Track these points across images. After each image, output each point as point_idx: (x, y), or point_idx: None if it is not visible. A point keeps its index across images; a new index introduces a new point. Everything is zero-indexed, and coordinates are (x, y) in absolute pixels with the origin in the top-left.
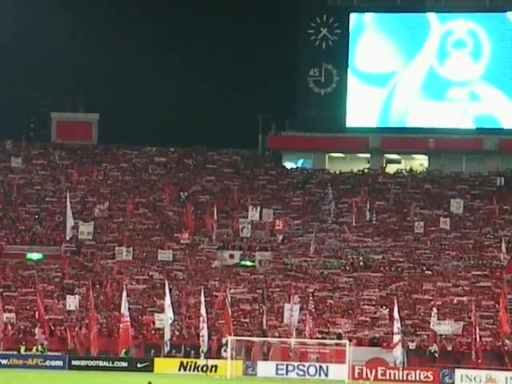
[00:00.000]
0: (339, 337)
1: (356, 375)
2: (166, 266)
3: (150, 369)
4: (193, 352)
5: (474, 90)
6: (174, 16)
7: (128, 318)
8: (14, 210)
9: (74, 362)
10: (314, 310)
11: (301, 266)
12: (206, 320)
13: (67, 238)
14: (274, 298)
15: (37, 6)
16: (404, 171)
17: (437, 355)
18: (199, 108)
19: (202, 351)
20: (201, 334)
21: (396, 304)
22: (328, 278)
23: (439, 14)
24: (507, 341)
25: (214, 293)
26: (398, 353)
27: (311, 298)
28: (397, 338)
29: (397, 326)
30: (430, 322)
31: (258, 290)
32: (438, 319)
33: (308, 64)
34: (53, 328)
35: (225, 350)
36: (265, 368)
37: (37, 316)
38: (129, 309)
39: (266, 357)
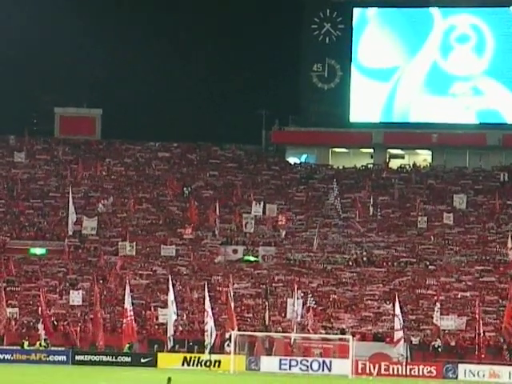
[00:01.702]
0: (343, 332)
1: (359, 370)
2: (170, 261)
3: (153, 364)
4: (196, 347)
5: (478, 84)
6: (176, 12)
7: (131, 313)
8: (17, 205)
9: (77, 357)
10: (314, 306)
11: (304, 261)
12: (211, 315)
13: (69, 233)
14: (278, 293)
15: (40, 2)
16: (407, 166)
17: (440, 350)
18: (203, 103)
19: (206, 346)
20: (206, 329)
21: (398, 300)
22: (331, 273)
23: (442, 8)
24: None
25: (218, 288)
26: (400, 349)
27: (310, 294)
28: (398, 334)
29: (398, 322)
30: (433, 317)
31: (261, 285)
32: (442, 314)
33: (311, 59)
34: (56, 323)
35: (228, 345)
36: (268, 363)
37: (40, 311)
38: (132, 304)
39: (269, 352)
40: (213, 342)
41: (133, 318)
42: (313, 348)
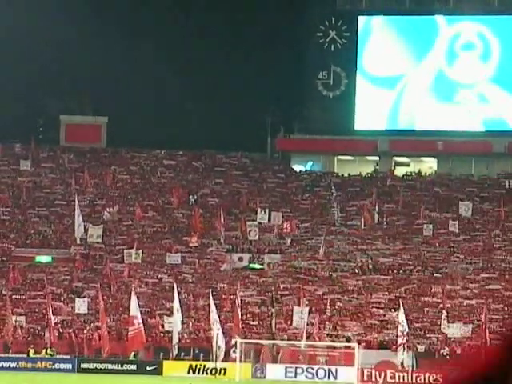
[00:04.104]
0: (348, 340)
1: (365, 378)
2: (175, 268)
3: (158, 372)
4: (202, 355)
5: (483, 92)
6: (182, 18)
7: (140, 320)
8: (22, 213)
9: (83, 365)
10: (329, 314)
11: (309, 268)
12: (219, 323)
13: (77, 241)
14: (283, 301)
15: (44, 8)
16: (413, 174)
17: (448, 358)
18: (208, 111)
19: (218, 355)
20: (214, 336)
21: (402, 307)
22: (337, 280)
23: (448, 16)
24: None
25: (223, 296)
26: (400, 355)
27: (328, 304)
28: (399, 340)
29: (400, 329)
30: (438, 325)
31: (266, 293)
32: (448, 322)
33: (317, 67)
34: (61, 331)
35: (234, 351)
36: (274, 371)
37: (46, 319)
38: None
39: (275, 359)
40: (223, 350)
41: (142, 326)
42: (318, 356)
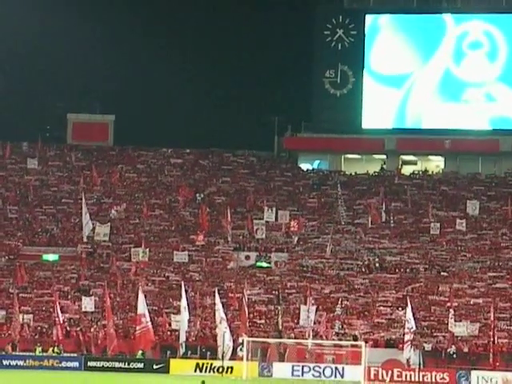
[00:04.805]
0: (355, 338)
1: (372, 376)
2: (182, 267)
3: (166, 370)
4: (209, 353)
5: (490, 91)
6: (189, 17)
7: (148, 319)
8: (30, 212)
9: (90, 363)
10: (340, 313)
11: (316, 267)
12: (226, 321)
13: (84, 240)
14: (290, 300)
15: (52, 8)
16: (420, 172)
17: (455, 356)
18: (215, 109)
19: (225, 354)
20: (220, 334)
21: (409, 305)
22: (344, 279)
23: (455, 15)
24: None
25: (230, 294)
26: (407, 352)
27: (339, 303)
28: (406, 337)
29: (407, 326)
30: (446, 324)
31: (273, 292)
32: (455, 320)
33: (324, 65)
34: (68, 329)
35: (241, 350)
36: (280, 369)
37: (53, 317)
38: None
39: (282, 358)
40: (230, 349)
41: (150, 324)
42: (325, 354)
